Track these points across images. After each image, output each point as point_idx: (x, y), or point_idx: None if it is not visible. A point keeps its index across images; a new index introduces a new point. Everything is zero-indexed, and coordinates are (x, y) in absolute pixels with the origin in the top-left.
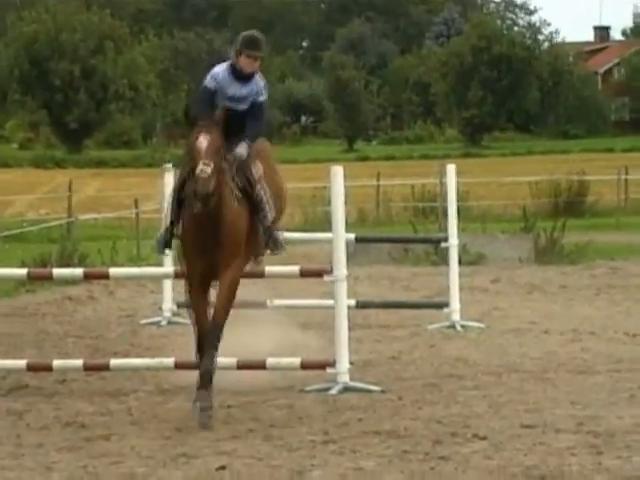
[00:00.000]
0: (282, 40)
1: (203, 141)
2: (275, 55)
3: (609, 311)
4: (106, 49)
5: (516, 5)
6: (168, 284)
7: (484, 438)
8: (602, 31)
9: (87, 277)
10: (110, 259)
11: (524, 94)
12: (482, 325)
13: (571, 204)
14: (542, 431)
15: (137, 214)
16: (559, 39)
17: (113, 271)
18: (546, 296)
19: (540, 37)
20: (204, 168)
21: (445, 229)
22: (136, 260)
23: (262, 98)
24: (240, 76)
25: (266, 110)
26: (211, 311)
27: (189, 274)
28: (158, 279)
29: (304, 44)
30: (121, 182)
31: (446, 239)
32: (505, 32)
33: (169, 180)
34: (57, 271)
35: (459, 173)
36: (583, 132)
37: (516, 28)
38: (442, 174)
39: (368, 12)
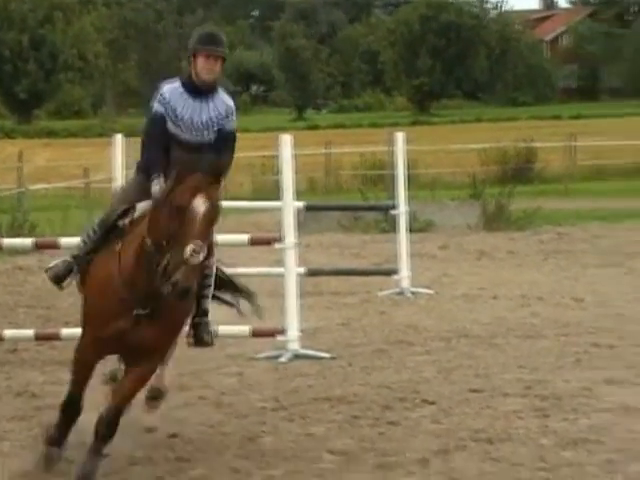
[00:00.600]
0: (232, 10)
1: (200, 209)
2: (225, 25)
3: (556, 276)
4: (55, 19)
5: None
6: None
7: (433, 403)
8: None
9: (37, 247)
10: (60, 229)
11: (472, 62)
12: (431, 291)
13: (519, 171)
14: (490, 395)
15: (87, 184)
16: (507, 7)
17: (64, 241)
18: (494, 262)
19: (488, 5)
20: (194, 256)
21: (394, 197)
22: None
23: (231, 125)
24: (197, 90)
25: (236, 143)
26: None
27: (90, 341)
28: None
29: (254, 13)
30: (71, 152)
31: (395, 206)
32: (453, 0)
33: (118, 150)
34: (7, 241)
35: (408, 141)
36: (531, 99)
37: None
38: (391, 142)
39: None
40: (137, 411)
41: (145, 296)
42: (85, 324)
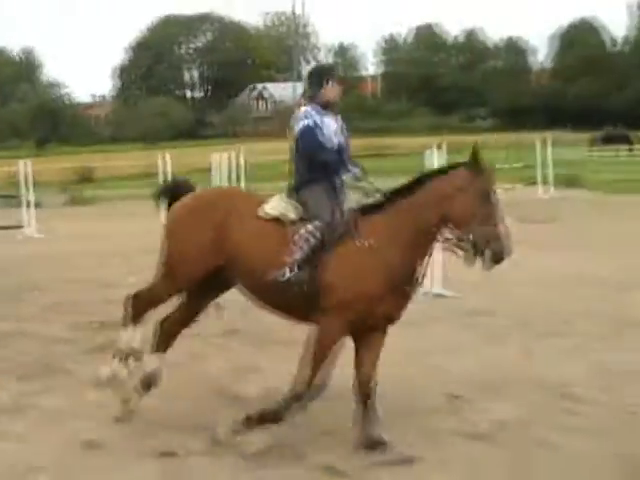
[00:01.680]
0: None
1: (498, 193)
2: None
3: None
4: None
5: None
6: None
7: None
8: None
9: None
10: None
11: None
12: (43, 235)
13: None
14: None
15: None
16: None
17: None
18: (81, 216)
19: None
20: (506, 231)
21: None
22: None
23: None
24: (326, 108)
25: None
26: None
27: (344, 324)
28: None
29: None
30: None
31: None
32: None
33: None
34: None
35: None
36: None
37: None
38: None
39: None
40: None
41: (412, 274)
42: (340, 311)
